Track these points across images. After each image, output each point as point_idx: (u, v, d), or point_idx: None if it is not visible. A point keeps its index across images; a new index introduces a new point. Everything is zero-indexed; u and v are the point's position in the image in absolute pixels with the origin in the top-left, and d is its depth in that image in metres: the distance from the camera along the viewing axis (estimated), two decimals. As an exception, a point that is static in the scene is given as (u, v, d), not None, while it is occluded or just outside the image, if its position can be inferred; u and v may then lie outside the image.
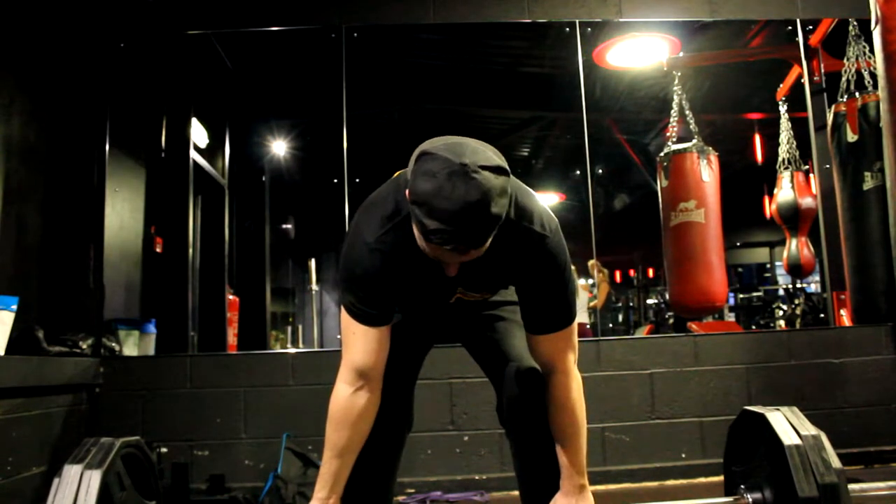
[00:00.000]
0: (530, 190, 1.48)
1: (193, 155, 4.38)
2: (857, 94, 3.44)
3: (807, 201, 4.66)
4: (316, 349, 4.38)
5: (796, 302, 5.80)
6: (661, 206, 4.15)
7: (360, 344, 1.45)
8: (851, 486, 1.54)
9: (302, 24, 3.71)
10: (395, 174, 1.53)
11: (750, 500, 1.64)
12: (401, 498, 3.00)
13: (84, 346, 3.06)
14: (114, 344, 3.35)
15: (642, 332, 6.62)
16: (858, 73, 3.58)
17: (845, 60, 3.65)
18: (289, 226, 7.74)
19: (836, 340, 3.41)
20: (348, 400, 1.46)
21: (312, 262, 5.21)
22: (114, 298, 3.57)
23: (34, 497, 2.49)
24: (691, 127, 4.25)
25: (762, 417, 1.62)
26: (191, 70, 4.37)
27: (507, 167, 1.26)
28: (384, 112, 5.59)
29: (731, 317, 7.44)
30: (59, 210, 3.23)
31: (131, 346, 3.50)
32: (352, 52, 3.72)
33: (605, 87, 5.40)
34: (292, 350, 3.59)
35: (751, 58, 4.65)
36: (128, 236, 3.88)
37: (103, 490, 1.49)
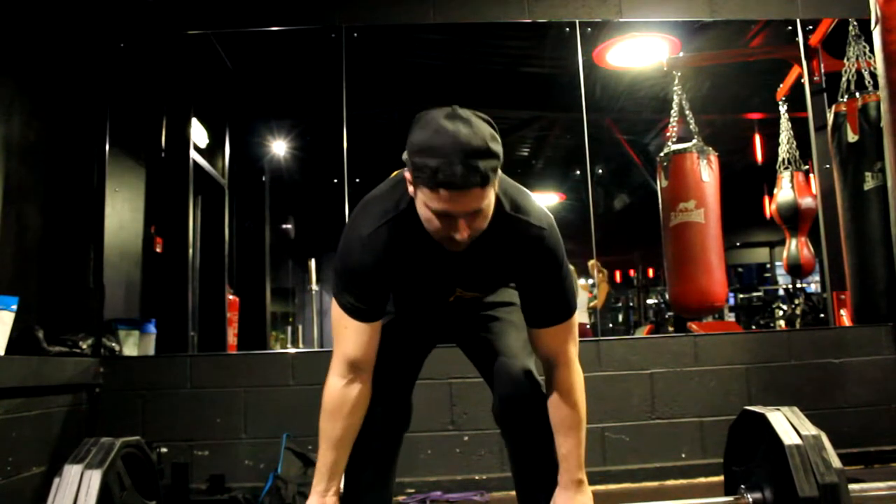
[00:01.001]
0: (524, 188, 1.50)
1: (193, 155, 4.38)
2: (857, 94, 3.44)
3: (807, 201, 4.66)
4: (316, 349, 4.38)
5: (796, 302, 5.80)
6: (660, 206, 4.15)
7: (351, 338, 1.47)
8: (852, 486, 1.54)
9: (302, 24, 3.71)
10: (394, 174, 1.53)
11: (750, 499, 1.64)
12: (401, 498, 3.00)
13: (84, 346, 3.06)
14: (114, 344, 3.35)
15: (642, 332, 6.62)
16: (858, 73, 3.58)
17: (845, 60, 3.65)
18: (289, 226, 7.73)
19: (836, 340, 3.41)
20: (341, 392, 1.49)
21: (312, 262, 5.21)
22: (114, 298, 3.57)
23: (34, 497, 2.49)
24: (691, 127, 4.25)
25: (762, 417, 1.61)
26: (191, 70, 4.37)
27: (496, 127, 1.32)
28: (384, 112, 5.59)
29: (731, 317, 7.44)
30: (59, 210, 3.23)
31: (131, 346, 3.50)
32: (352, 52, 3.72)
33: (605, 87, 5.40)
34: (292, 350, 3.59)
35: (751, 58, 4.65)
36: (128, 236, 3.88)
37: (104, 490, 1.48)
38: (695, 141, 4.12)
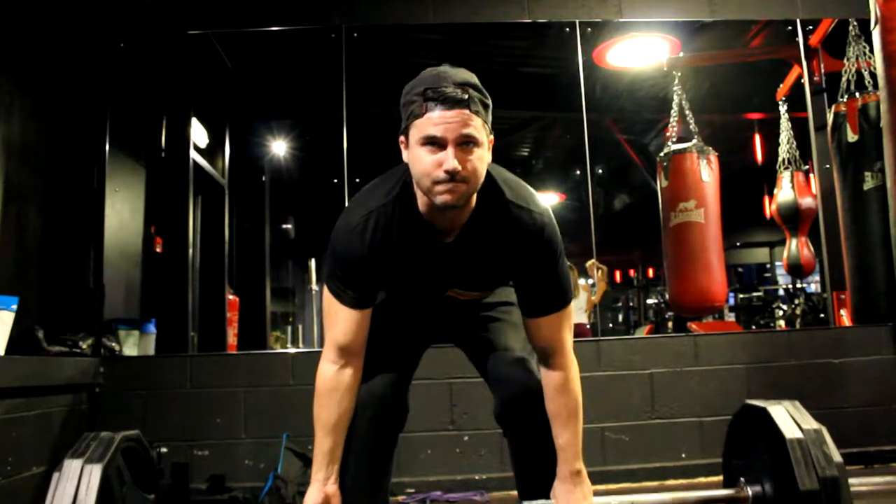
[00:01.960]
0: (524, 182, 1.52)
1: (193, 155, 4.38)
2: (857, 94, 3.44)
3: (807, 201, 4.66)
4: (316, 349, 4.38)
5: (796, 302, 5.80)
6: (660, 206, 4.15)
7: (341, 324, 1.48)
8: (851, 480, 1.53)
9: (302, 24, 3.71)
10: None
11: (750, 492, 1.63)
12: (401, 498, 3.00)
13: (84, 346, 3.06)
14: (114, 344, 3.35)
15: (642, 332, 6.63)
16: (858, 73, 3.58)
17: (845, 60, 3.66)
18: (289, 226, 7.73)
19: (836, 340, 3.41)
20: (334, 376, 1.50)
21: (312, 262, 5.22)
22: (114, 298, 3.57)
23: (34, 497, 2.49)
24: (691, 127, 4.25)
25: (763, 411, 1.61)
26: (191, 70, 4.37)
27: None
28: (384, 112, 5.58)
29: (731, 317, 7.45)
30: (59, 210, 3.23)
31: (131, 346, 3.50)
32: (352, 52, 3.72)
33: (605, 87, 5.41)
34: (292, 350, 3.59)
35: (751, 58, 4.65)
36: (128, 236, 3.88)
37: (104, 484, 1.48)
38: (695, 141, 4.12)
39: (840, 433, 3.11)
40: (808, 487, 1.45)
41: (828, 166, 3.72)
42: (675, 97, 4.34)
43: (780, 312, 6.40)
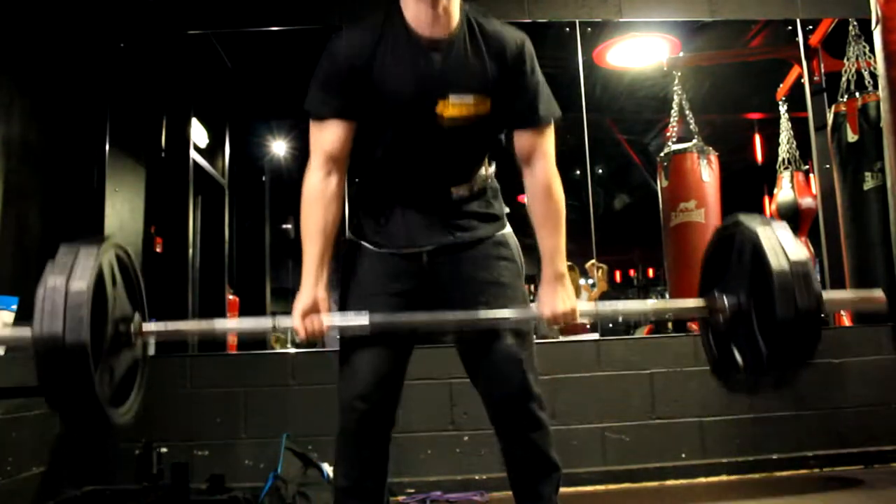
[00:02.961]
0: None
1: (193, 155, 4.38)
2: (857, 94, 3.44)
3: (807, 201, 4.66)
4: (316, 349, 4.38)
5: (796, 302, 5.78)
6: (661, 206, 4.15)
7: (327, 134, 1.54)
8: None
9: (302, 24, 3.71)
10: None
11: (726, 303, 1.63)
12: (401, 498, 3.00)
13: (84, 346, 3.05)
14: (114, 344, 3.34)
15: (642, 332, 6.61)
16: (858, 73, 3.58)
17: (845, 60, 3.66)
18: (289, 226, 7.73)
19: (836, 340, 3.40)
20: (321, 183, 1.56)
21: (312, 263, 5.19)
22: (114, 298, 3.56)
23: (34, 497, 2.49)
24: (691, 127, 4.25)
25: (752, 232, 1.55)
26: (191, 70, 4.36)
27: None
28: (384, 112, 5.58)
29: (731, 317, 7.41)
30: (59, 210, 3.23)
31: (131, 346, 3.49)
32: (352, 52, 3.71)
33: (605, 87, 5.40)
34: (292, 350, 3.58)
35: (751, 58, 4.65)
36: (128, 236, 3.87)
37: (98, 279, 1.39)
38: (695, 141, 4.12)
39: (840, 433, 3.14)
40: (786, 315, 1.44)
41: (828, 166, 3.72)
42: (675, 97, 4.34)
43: (781, 312, 6.38)
